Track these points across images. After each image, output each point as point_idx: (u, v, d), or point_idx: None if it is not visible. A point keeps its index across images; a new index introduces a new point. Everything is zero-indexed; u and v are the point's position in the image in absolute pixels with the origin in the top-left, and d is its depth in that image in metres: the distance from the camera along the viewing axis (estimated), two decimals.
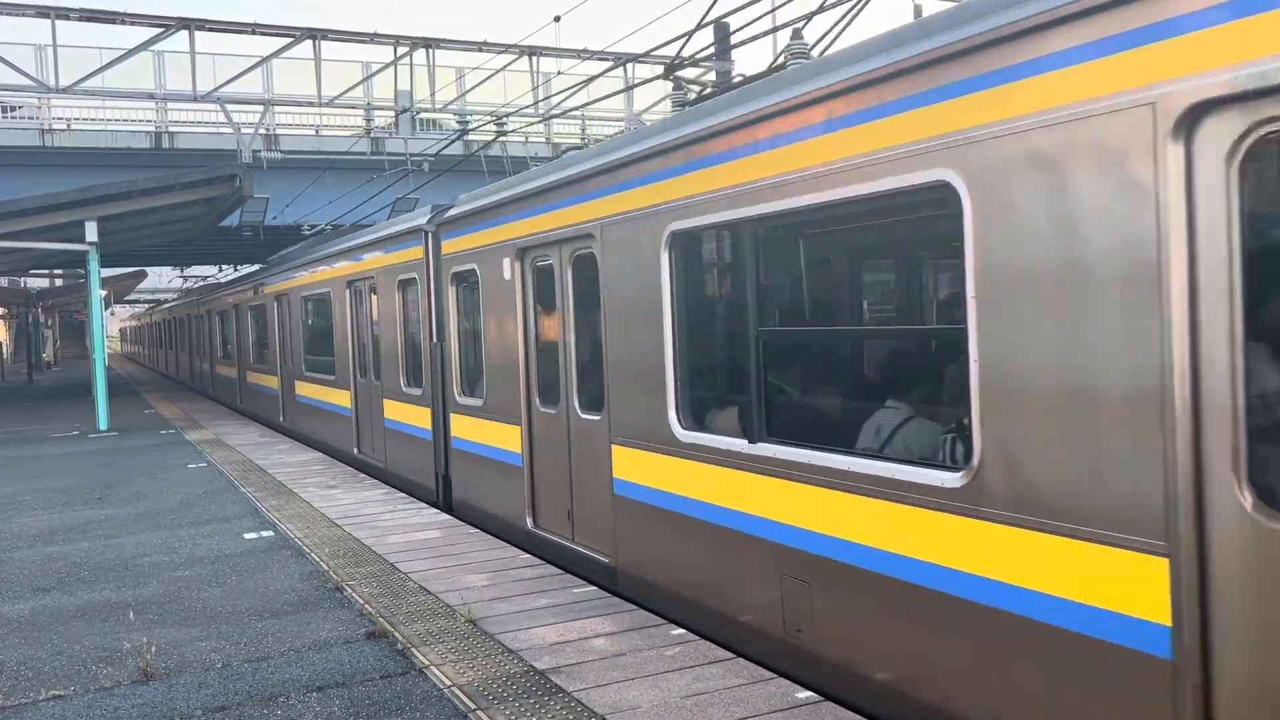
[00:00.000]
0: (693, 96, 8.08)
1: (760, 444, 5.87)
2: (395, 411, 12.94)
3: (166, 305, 50.48)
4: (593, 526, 7.93)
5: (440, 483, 11.50)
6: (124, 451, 17.25)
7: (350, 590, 7.64)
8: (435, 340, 11.23)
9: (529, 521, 9.04)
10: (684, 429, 6.63)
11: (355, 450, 14.90)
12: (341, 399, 15.57)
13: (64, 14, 20.13)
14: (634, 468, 7.21)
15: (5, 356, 57.71)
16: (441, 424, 11.29)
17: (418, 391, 12.02)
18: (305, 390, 18.11)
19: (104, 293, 29.87)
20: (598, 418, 7.71)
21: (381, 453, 13.66)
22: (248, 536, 9.81)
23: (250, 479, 13.48)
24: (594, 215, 7.54)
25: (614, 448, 7.44)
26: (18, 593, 8.05)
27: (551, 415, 8.55)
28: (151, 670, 6.00)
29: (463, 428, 10.56)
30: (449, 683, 5.61)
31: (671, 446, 6.73)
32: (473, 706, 5.26)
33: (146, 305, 76.33)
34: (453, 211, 10.68)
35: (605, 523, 7.69)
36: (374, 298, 13.73)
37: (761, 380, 5.90)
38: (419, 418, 12.00)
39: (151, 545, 9.61)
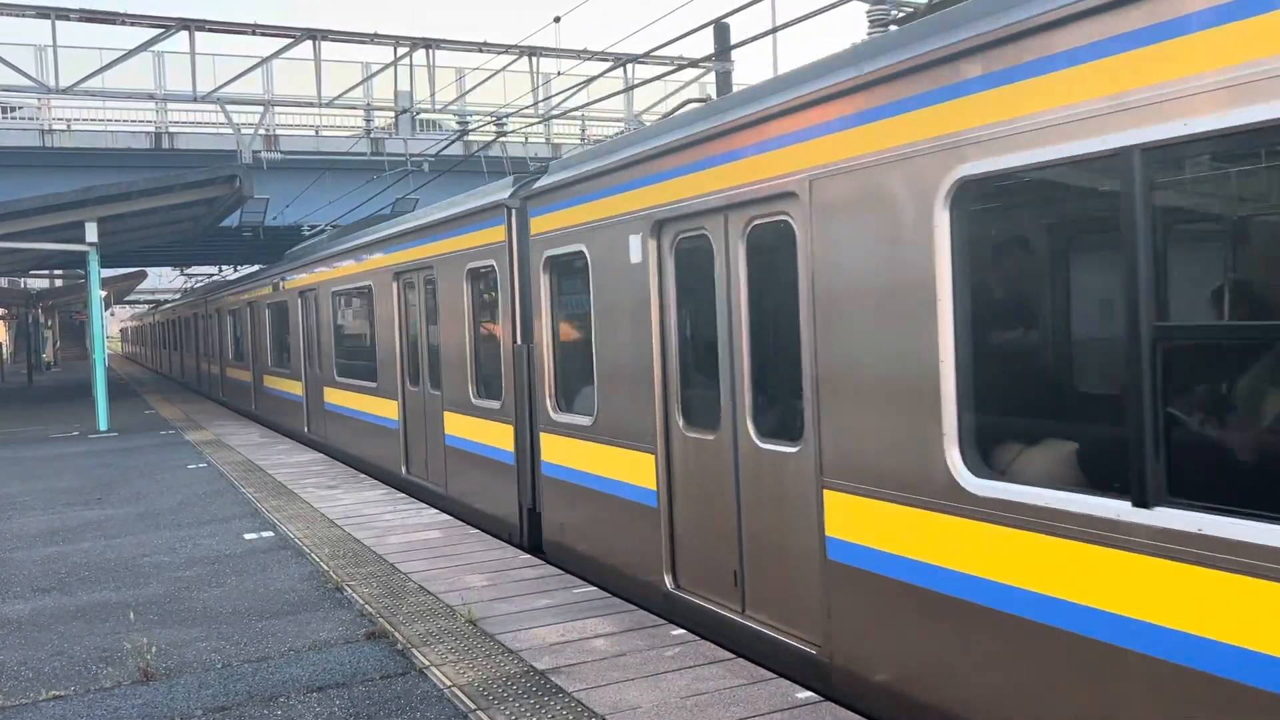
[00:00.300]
0: (900, 15, 6.21)
1: (1162, 509, 3.73)
2: (460, 427, 10.71)
3: (171, 304, 48.77)
4: (784, 601, 5.88)
5: (525, 518, 9.36)
6: (124, 452, 17.25)
7: (350, 590, 7.64)
8: (519, 342, 9.21)
9: (668, 581, 6.95)
10: (975, 475, 4.50)
11: (403, 470, 12.69)
12: (385, 410, 13.27)
13: (64, 14, 20.13)
14: (870, 526, 5.09)
15: (5, 357, 57.71)
16: (528, 445, 9.13)
17: (494, 404, 9.80)
18: (337, 398, 15.85)
19: (104, 293, 29.88)
20: (792, 449, 5.70)
21: (440, 476, 11.42)
22: (248, 537, 9.81)
23: (250, 479, 13.49)
24: (795, 167, 5.45)
25: (827, 494, 5.35)
26: (18, 593, 8.06)
27: (706, 442, 6.52)
28: (152, 670, 6.00)
29: (560, 452, 8.39)
30: (449, 683, 5.62)
31: (951, 501, 4.59)
32: (473, 707, 5.26)
33: (147, 305, 76.16)
34: (547, 180, 8.49)
35: (809, 598, 5.60)
36: (431, 291, 11.57)
37: (1157, 408, 3.76)
38: (495, 436, 9.81)
39: (151, 546, 9.61)
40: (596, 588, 7.42)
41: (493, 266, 9.70)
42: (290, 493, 12.26)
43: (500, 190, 9.62)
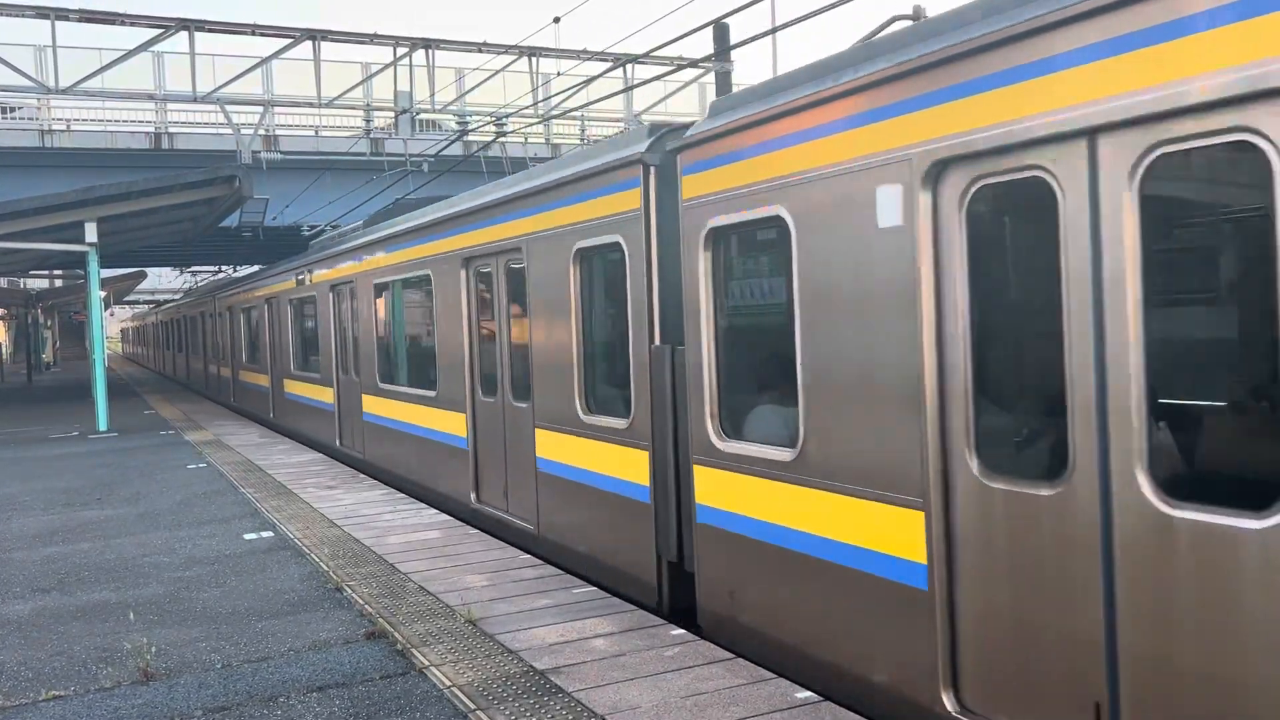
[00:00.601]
0: None
1: None
2: (561, 449, 8.51)
3: (176, 301, 46.92)
4: None
5: (666, 575, 7.23)
6: (124, 452, 17.26)
7: (350, 591, 7.64)
8: (658, 342, 7.15)
9: (947, 701, 4.79)
10: None
11: (473, 499, 10.52)
12: (449, 424, 11.10)
13: (63, 15, 20.14)
14: None
15: (5, 357, 57.74)
16: (671, 480, 7.02)
17: (617, 423, 7.62)
18: (381, 408, 13.65)
19: (103, 293, 29.89)
20: (1257, 524, 3.53)
21: (528, 510, 9.22)
22: (247, 537, 9.81)
23: (250, 479, 13.49)
24: None
25: None
26: (18, 593, 8.06)
27: (1033, 499, 4.32)
28: (151, 670, 6.00)
29: (730, 494, 6.23)
30: (449, 683, 5.62)
31: None
32: (472, 707, 5.27)
33: (148, 305, 76.06)
34: (712, 124, 6.24)
35: None
36: (517, 279, 9.33)
37: None
38: (618, 464, 7.65)
39: (151, 546, 9.62)
40: (788, 680, 5.53)
41: (618, 244, 7.50)
42: (290, 493, 12.26)
43: (631, 143, 7.37)
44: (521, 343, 9.28)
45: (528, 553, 8.61)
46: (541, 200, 8.63)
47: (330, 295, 16.09)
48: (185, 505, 11.75)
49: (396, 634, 6.50)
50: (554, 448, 8.62)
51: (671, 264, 7.05)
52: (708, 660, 5.78)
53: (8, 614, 7.48)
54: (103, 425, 21.15)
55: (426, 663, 5.96)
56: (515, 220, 9.14)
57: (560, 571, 7.92)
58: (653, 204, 7.13)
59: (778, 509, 5.84)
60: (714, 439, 6.37)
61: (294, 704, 5.44)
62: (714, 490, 6.41)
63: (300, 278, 18.22)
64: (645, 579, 7.36)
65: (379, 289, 13.61)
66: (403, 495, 11.73)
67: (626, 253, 7.39)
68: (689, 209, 6.51)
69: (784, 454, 5.75)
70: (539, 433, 8.86)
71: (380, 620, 6.81)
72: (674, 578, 7.18)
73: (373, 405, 14.00)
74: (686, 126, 7.00)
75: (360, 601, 7.33)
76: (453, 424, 10.97)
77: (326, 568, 8.39)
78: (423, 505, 11.03)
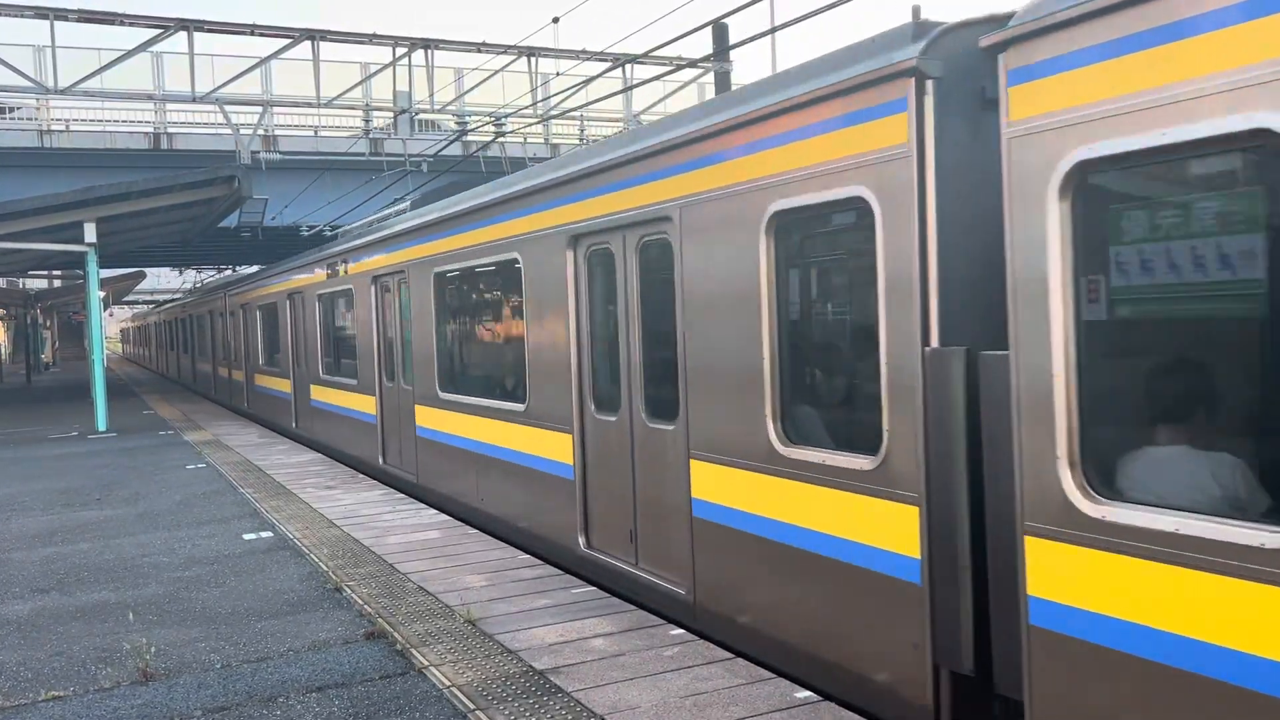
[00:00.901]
0: None
1: None
2: (736, 491, 6.24)
3: (180, 300, 44.96)
4: None
5: (949, 690, 4.88)
6: (123, 452, 17.25)
7: (349, 591, 7.65)
8: (936, 344, 4.84)
9: None
10: None
11: (581, 542, 8.24)
12: (542, 446, 8.84)
13: (63, 15, 20.13)
14: None
15: (4, 358, 57.75)
16: (964, 552, 4.70)
17: (854, 461, 5.29)
18: (438, 422, 11.45)
19: (102, 294, 29.87)
20: None
21: (677, 566, 6.96)
22: (247, 537, 9.81)
23: (249, 480, 13.49)
24: None
25: None
26: (17, 594, 8.06)
27: None
28: (151, 671, 6.00)
29: (1117, 589, 3.91)
30: (448, 683, 5.62)
31: None
32: (472, 707, 5.27)
33: (147, 305, 75.96)
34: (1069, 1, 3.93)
35: None
36: (658, 260, 7.10)
37: None
38: (852, 521, 5.32)
39: (151, 546, 9.62)
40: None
41: (860, 199, 5.17)
42: (289, 493, 12.26)
43: (886, 48, 5.02)
44: (665, 344, 7.07)
45: (679, 625, 6.60)
46: (710, 149, 6.29)
47: (372, 288, 13.74)
48: (185, 505, 11.75)
49: (396, 634, 6.50)
50: (723, 488, 6.40)
51: (965, 225, 4.83)
52: (707, 660, 5.79)
53: (7, 614, 7.48)
54: (102, 425, 21.16)
55: (426, 663, 5.96)
56: (660, 181, 6.91)
57: (560, 571, 7.91)
58: (929, 136, 4.79)
59: (1245, 626, 3.47)
60: (1074, 497, 4.07)
61: (293, 704, 5.44)
62: (1075, 580, 4.07)
63: (333, 269, 15.82)
64: (906, 694, 5.03)
65: (441, 278, 11.26)
66: (401, 495, 11.72)
67: (878, 212, 5.05)
68: (1024, 137, 4.19)
69: (1257, 533, 3.45)
70: (696, 465, 6.68)
71: (380, 620, 6.81)
72: (961, 697, 4.87)
73: (429, 419, 11.72)
74: (1003, 17, 4.49)
75: (360, 601, 7.33)
76: (551, 446, 8.72)
77: (326, 568, 8.39)
78: (422, 505, 11.01)
